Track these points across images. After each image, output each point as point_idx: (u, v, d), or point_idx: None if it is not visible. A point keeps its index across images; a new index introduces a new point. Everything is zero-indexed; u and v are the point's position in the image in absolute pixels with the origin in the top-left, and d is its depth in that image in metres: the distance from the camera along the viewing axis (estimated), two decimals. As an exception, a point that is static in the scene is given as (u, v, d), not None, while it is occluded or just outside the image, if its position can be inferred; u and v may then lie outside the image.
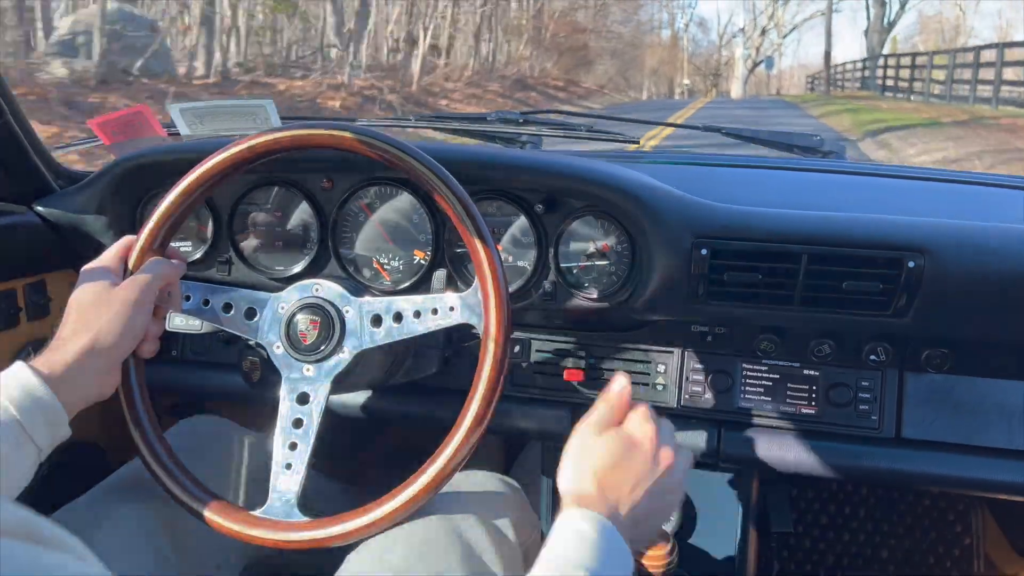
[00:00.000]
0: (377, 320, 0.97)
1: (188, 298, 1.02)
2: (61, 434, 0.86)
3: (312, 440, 0.96)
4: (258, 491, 1.10)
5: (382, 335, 0.97)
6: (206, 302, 1.02)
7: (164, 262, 0.97)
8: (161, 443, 0.98)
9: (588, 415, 0.91)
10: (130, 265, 0.97)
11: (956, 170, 1.69)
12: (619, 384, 0.90)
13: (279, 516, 0.95)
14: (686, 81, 51.86)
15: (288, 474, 0.96)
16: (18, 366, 0.85)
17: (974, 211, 1.31)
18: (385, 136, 0.95)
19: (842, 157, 1.59)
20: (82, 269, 0.95)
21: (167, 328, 1.01)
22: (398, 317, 0.97)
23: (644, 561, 1.20)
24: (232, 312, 1.01)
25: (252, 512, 0.95)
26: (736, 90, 50.59)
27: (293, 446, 0.97)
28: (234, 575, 1.08)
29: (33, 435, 0.82)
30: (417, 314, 0.96)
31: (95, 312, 0.90)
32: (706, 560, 1.38)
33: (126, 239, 0.99)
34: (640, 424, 0.88)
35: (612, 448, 0.86)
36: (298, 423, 0.97)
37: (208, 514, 0.95)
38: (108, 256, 0.97)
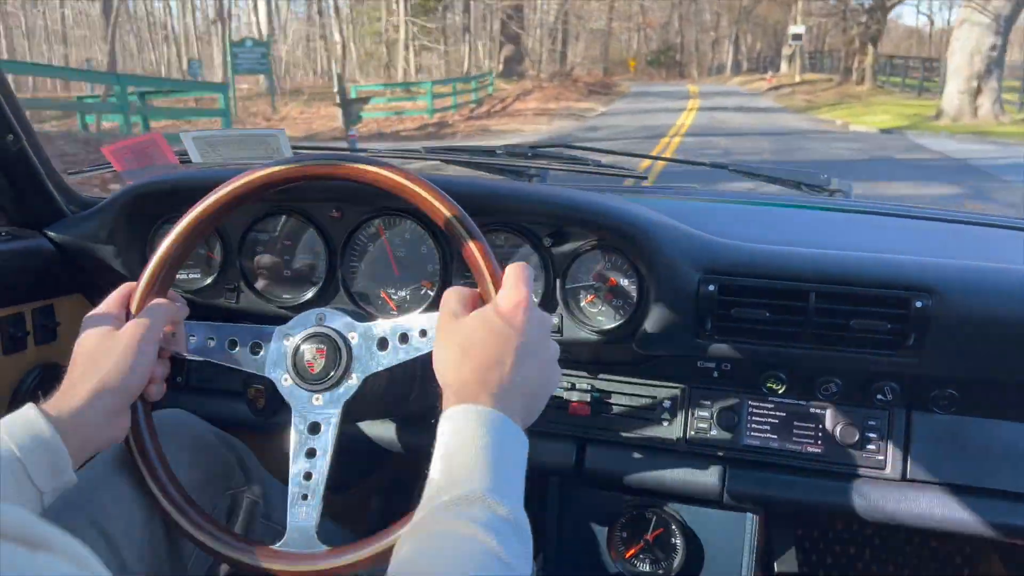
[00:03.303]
0: (383, 343, 0.98)
1: (193, 337, 1.02)
2: (64, 479, 0.85)
3: (327, 469, 0.96)
4: (221, 488, 1.11)
5: (389, 357, 0.97)
6: (211, 340, 1.02)
7: (166, 304, 0.98)
8: (174, 485, 0.98)
9: (453, 292, 0.88)
10: (132, 309, 0.97)
11: (961, 210, 1.69)
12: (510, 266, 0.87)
13: (299, 548, 0.94)
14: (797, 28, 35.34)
15: (305, 504, 0.96)
16: (27, 408, 0.85)
17: (979, 252, 1.32)
18: (394, 166, 0.95)
19: (848, 195, 1.59)
20: (85, 316, 0.95)
21: (185, 351, 1.02)
22: (404, 338, 0.97)
23: None
24: (237, 349, 1.01)
25: (272, 547, 0.95)
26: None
27: (308, 476, 0.96)
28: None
29: (34, 477, 0.82)
30: (423, 332, 0.96)
31: (101, 357, 0.90)
32: None
33: (127, 285, 1.00)
34: (510, 291, 0.84)
35: (484, 323, 0.82)
36: (311, 453, 0.97)
37: (228, 552, 0.95)
38: (110, 302, 0.98)
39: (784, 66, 44.70)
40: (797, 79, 34.95)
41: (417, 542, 0.70)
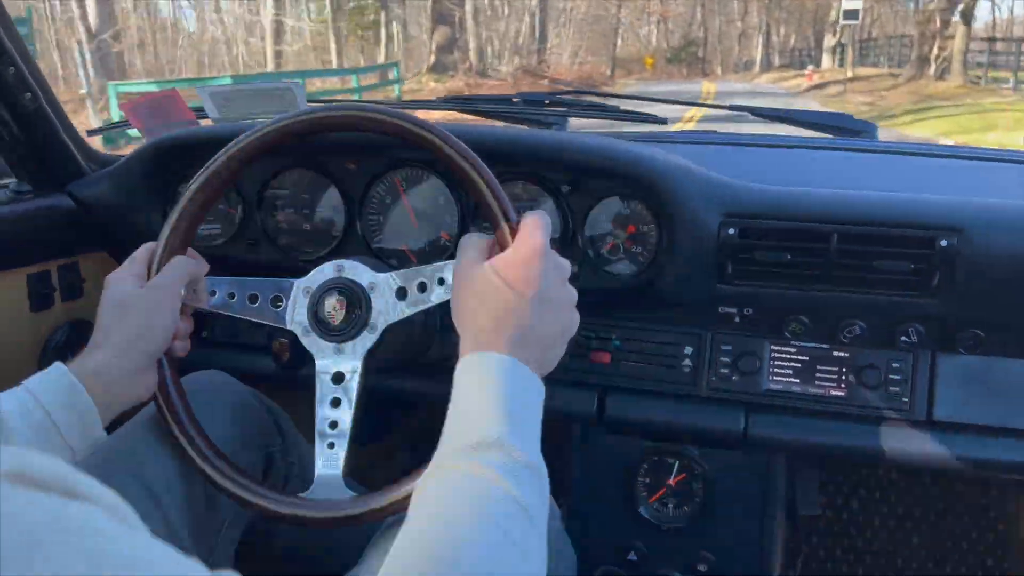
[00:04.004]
0: (402, 292, 0.98)
1: (214, 293, 1.03)
2: (95, 436, 0.87)
3: (351, 418, 0.97)
4: (258, 449, 1.13)
5: (409, 306, 0.98)
6: (232, 295, 1.03)
7: (187, 260, 0.98)
8: (202, 439, 1.00)
9: (470, 239, 0.88)
10: (153, 267, 0.98)
11: (991, 148, 1.65)
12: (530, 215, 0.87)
13: (327, 495, 0.96)
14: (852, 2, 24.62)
15: (331, 452, 0.97)
16: (55, 367, 0.86)
17: (1009, 190, 1.29)
18: (409, 116, 0.95)
19: (874, 136, 1.56)
20: (107, 276, 0.96)
21: (207, 306, 1.03)
22: (422, 287, 0.97)
23: None
24: (258, 302, 1.02)
25: (301, 495, 0.96)
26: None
27: (333, 425, 0.98)
28: (236, 537, 1.10)
29: (66, 435, 0.83)
30: (441, 281, 0.96)
31: (124, 314, 0.91)
32: (732, 543, 1.38)
33: (147, 245, 1.01)
34: (526, 238, 0.84)
35: (500, 271, 0.82)
36: (336, 403, 0.98)
37: (258, 501, 0.96)
38: (131, 262, 0.99)
39: (826, 59, 37.17)
40: (848, 74, 25.89)
41: (434, 485, 0.71)
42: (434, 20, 26.34)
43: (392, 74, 19.93)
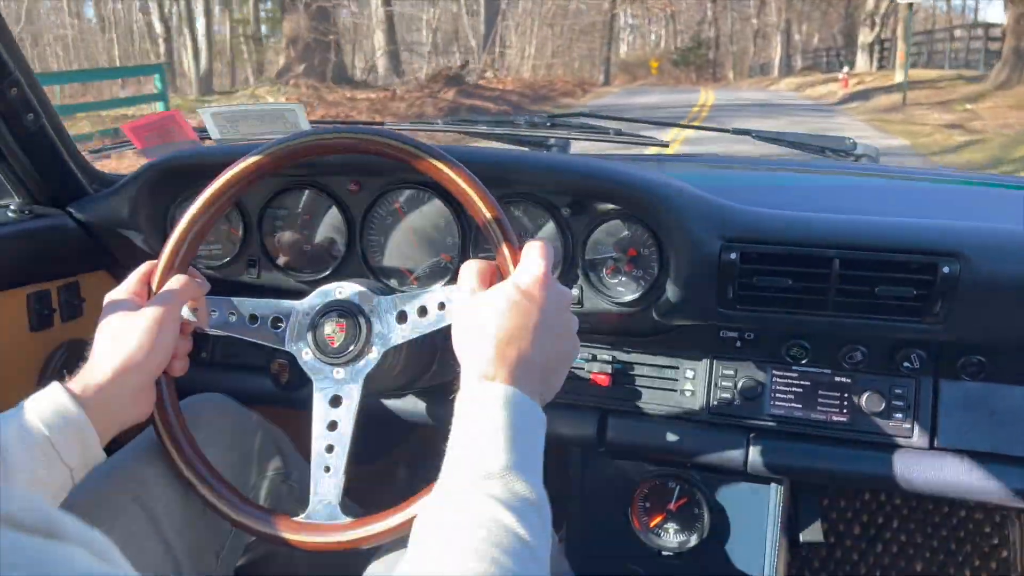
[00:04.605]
0: (402, 316, 0.98)
1: (214, 313, 1.03)
2: (92, 455, 0.86)
3: (348, 442, 0.97)
4: (258, 472, 1.13)
5: (408, 330, 0.97)
6: (232, 316, 1.03)
7: (186, 280, 0.98)
8: (201, 461, 0.99)
9: (472, 266, 0.87)
10: (153, 287, 0.98)
11: (991, 174, 1.65)
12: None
13: (322, 519, 0.95)
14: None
15: (327, 477, 0.96)
16: (52, 387, 0.86)
17: (1009, 215, 1.29)
18: (409, 139, 0.95)
19: (875, 161, 1.56)
20: (106, 296, 0.96)
21: (207, 326, 1.03)
22: (423, 311, 0.96)
23: None
24: (258, 323, 1.02)
25: (295, 518, 0.96)
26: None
27: (330, 448, 0.97)
28: (235, 561, 1.09)
29: (63, 454, 0.83)
30: (441, 305, 0.95)
31: (123, 334, 0.91)
32: (734, 569, 1.36)
33: (147, 264, 1.01)
34: (529, 266, 0.84)
35: (502, 299, 0.82)
36: (333, 425, 0.97)
37: (252, 523, 0.96)
38: (131, 281, 0.99)
39: (861, 60, 30.25)
40: (898, 77, 18.58)
41: (436, 519, 0.71)
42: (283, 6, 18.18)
43: (155, 82, 13.23)
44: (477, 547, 0.65)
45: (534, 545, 0.68)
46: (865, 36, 31.00)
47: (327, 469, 0.97)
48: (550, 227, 1.26)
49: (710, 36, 49.47)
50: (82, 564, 0.41)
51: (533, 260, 0.84)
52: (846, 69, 25.55)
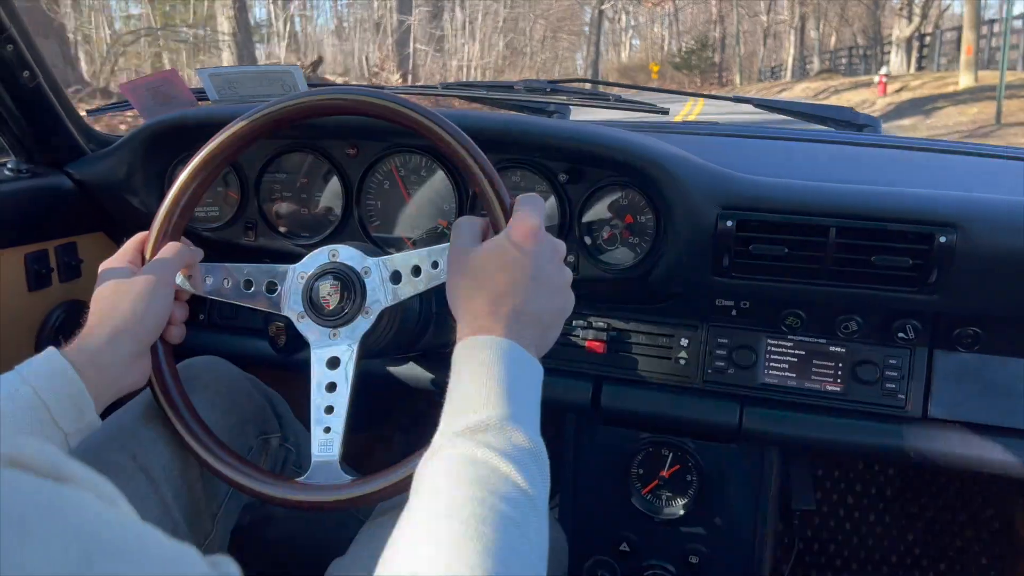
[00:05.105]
0: (396, 276, 0.98)
1: (208, 279, 1.03)
2: (88, 420, 0.87)
3: (347, 402, 0.97)
4: (256, 435, 1.13)
5: (403, 290, 0.98)
6: (227, 281, 1.03)
7: (180, 247, 0.98)
8: (199, 424, 1.00)
9: (464, 221, 0.87)
10: (147, 254, 0.98)
11: (991, 144, 1.64)
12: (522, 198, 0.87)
13: (324, 479, 0.96)
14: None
15: (328, 437, 0.97)
16: (48, 352, 0.86)
17: (1008, 186, 1.28)
18: (404, 100, 0.94)
19: (877, 130, 1.55)
20: (101, 265, 0.97)
21: (201, 292, 1.03)
22: (416, 270, 0.97)
23: None
24: (253, 288, 1.02)
25: (297, 480, 0.96)
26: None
27: (329, 409, 0.98)
28: (231, 524, 1.10)
29: (58, 419, 0.83)
30: (435, 264, 0.96)
31: (117, 300, 0.91)
32: (727, 537, 1.38)
33: (141, 234, 1.01)
34: (520, 220, 0.84)
35: (494, 253, 0.82)
36: (331, 387, 0.98)
37: (253, 485, 0.97)
38: (125, 250, 0.99)
39: (895, 59, 25.02)
40: (964, 81, 15.30)
41: (435, 469, 0.70)
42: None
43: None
44: (477, 496, 0.65)
45: (533, 494, 0.68)
46: (901, 30, 25.43)
47: (327, 430, 0.97)
48: (548, 194, 1.25)
49: (715, 36, 46.14)
50: (91, 508, 0.41)
51: (525, 213, 0.84)
52: (884, 70, 20.35)
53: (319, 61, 15.56)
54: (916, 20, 25.02)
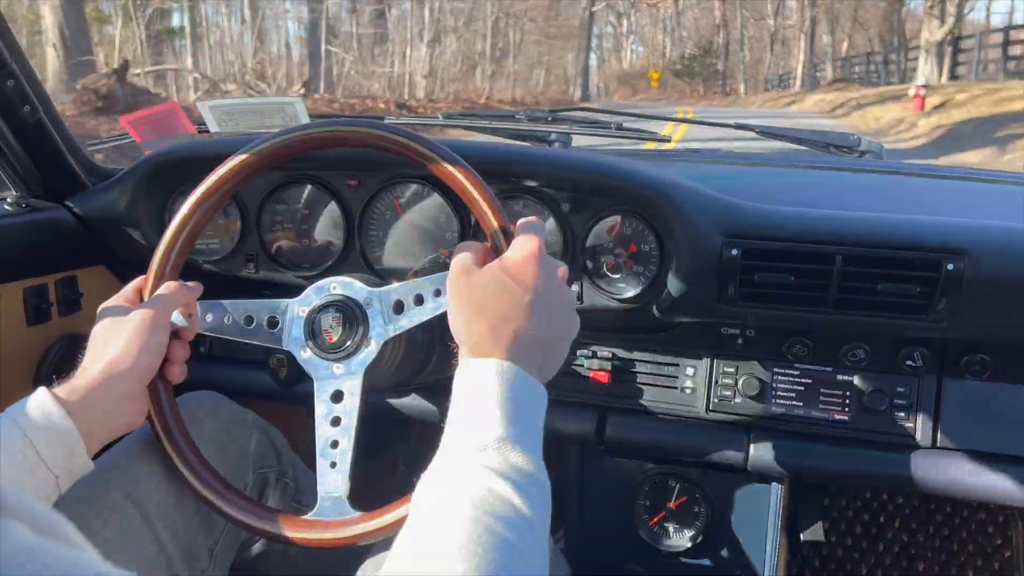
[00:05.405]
0: (399, 307, 0.97)
1: (209, 316, 1.02)
2: (79, 463, 0.85)
3: (353, 436, 0.96)
4: (254, 471, 1.12)
5: (405, 320, 0.97)
6: (227, 318, 1.02)
7: (176, 286, 0.98)
8: (200, 462, 0.99)
9: (464, 248, 0.86)
10: (145, 294, 0.98)
11: (995, 170, 1.63)
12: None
13: (332, 515, 0.94)
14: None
15: (334, 472, 0.96)
16: (40, 391, 0.85)
17: (1014, 213, 1.27)
18: (405, 131, 0.94)
19: (879, 157, 1.55)
20: (100, 306, 0.96)
21: (201, 330, 1.02)
22: (419, 300, 0.96)
23: None
24: (254, 324, 1.01)
25: (304, 516, 0.95)
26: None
27: (335, 444, 0.96)
28: (229, 559, 1.09)
29: (46, 459, 0.82)
30: (437, 292, 0.95)
31: (112, 339, 0.91)
32: (734, 569, 1.36)
33: (140, 278, 1.01)
34: (520, 244, 0.83)
35: (496, 277, 0.81)
36: (336, 421, 0.97)
37: (259, 524, 0.95)
38: (124, 291, 0.99)
39: (923, 67, 21.09)
40: None
41: (434, 489, 0.70)
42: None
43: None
44: (475, 516, 0.64)
45: (532, 517, 0.67)
46: (932, 33, 21.49)
47: (333, 464, 0.96)
48: (550, 222, 1.25)
49: (719, 42, 42.73)
50: (16, 538, 0.39)
51: (526, 237, 0.84)
52: (921, 80, 16.73)
53: (125, 66, 12.10)
54: (950, 21, 21.27)
